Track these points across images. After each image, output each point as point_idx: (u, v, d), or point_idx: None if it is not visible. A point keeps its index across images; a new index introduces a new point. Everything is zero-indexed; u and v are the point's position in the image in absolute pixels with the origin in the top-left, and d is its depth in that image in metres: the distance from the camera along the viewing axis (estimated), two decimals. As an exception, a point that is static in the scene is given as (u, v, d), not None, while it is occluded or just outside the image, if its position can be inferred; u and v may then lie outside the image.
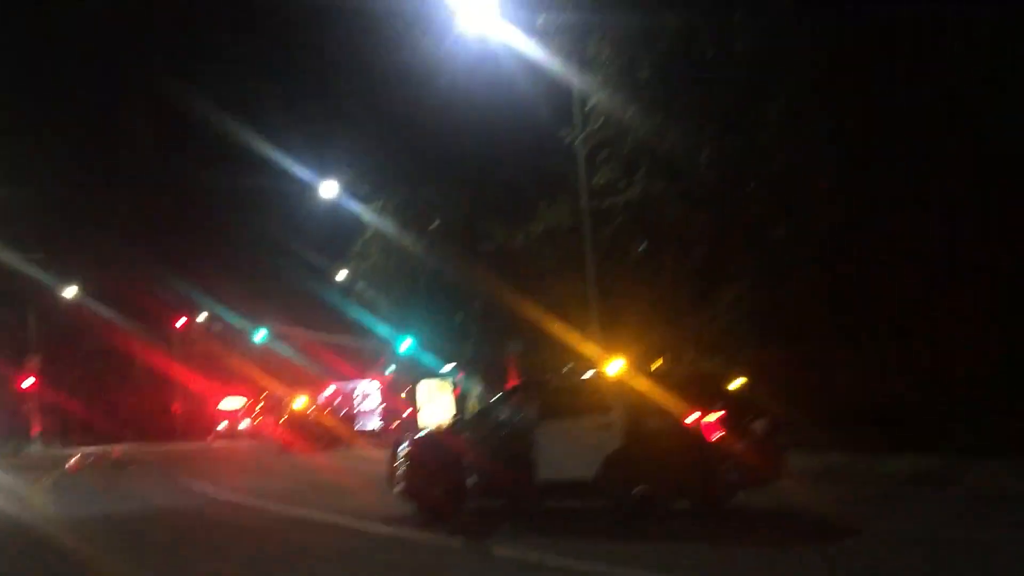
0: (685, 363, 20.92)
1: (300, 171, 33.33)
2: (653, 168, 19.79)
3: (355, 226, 36.15)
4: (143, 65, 53.49)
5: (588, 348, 20.36)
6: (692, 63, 18.53)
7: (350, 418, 40.70)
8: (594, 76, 19.81)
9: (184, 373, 57.23)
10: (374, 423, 40.98)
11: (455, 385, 35.13)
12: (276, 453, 34.68)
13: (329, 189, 33.48)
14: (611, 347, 20.47)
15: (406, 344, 36.21)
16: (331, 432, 36.09)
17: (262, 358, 51.89)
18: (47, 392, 49.56)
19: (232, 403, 55.85)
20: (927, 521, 11.16)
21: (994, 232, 16.85)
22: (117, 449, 41.69)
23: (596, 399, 12.39)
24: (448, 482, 12.74)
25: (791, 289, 18.74)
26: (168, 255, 52.88)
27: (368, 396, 42.81)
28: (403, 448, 13.59)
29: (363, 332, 41.85)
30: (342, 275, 40.88)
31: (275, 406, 46.58)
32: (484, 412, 13.89)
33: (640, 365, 18.16)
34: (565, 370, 15.32)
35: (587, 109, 20.07)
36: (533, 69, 20.49)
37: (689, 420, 11.32)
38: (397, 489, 13.55)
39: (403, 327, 36.44)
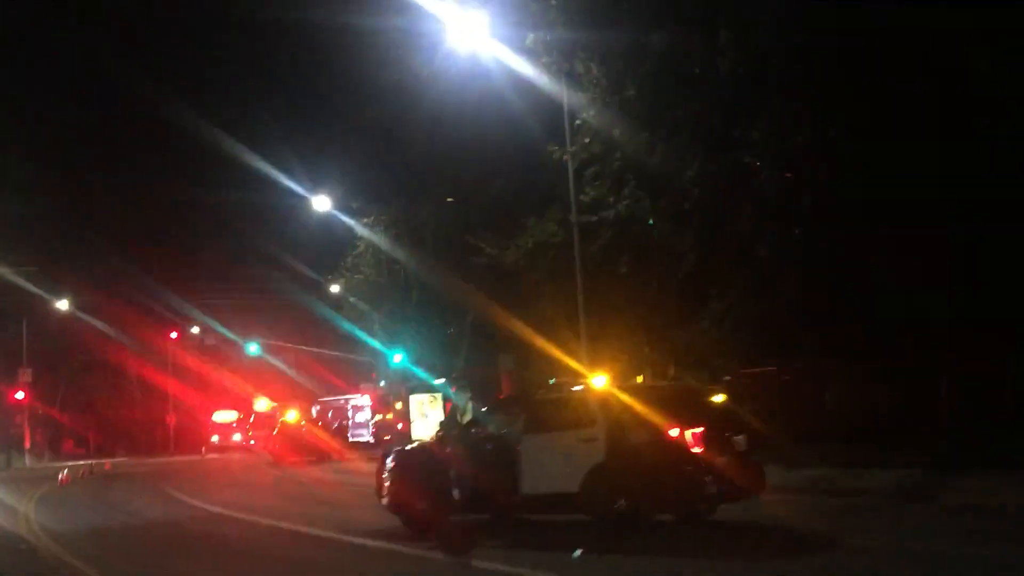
0: (667, 378, 21.08)
1: (293, 185, 33.52)
2: (640, 184, 19.99)
3: (347, 240, 36.43)
4: (138, 81, 53.66)
5: (576, 362, 20.53)
6: (678, 81, 18.79)
7: (342, 431, 40.80)
8: (582, 94, 20.04)
9: (177, 386, 57.23)
10: (366, 436, 41.07)
11: (446, 399, 35.23)
12: (268, 466, 34.76)
13: (321, 203, 33.65)
14: (599, 361, 20.64)
15: (398, 358, 36.36)
16: (323, 445, 36.19)
17: (254, 371, 51.95)
18: (39, 405, 49.49)
19: (225, 416, 55.88)
20: (904, 534, 11.32)
21: (976, 245, 17.05)
22: (108, 462, 41.71)
23: (580, 413, 12.51)
24: (433, 495, 12.86)
25: (777, 305, 18.93)
26: (161, 268, 53.08)
27: (360, 409, 42.92)
28: (389, 462, 13.74)
29: (355, 346, 42.04)
30: (335, 289, 41.02)
31: (267, 419, 46.66)
32: (469, 426, 14.01)
33: (622, 380, 18.30)
34: (550, 384, 15.40)
35: (575, 126, 20.27)
36: (523, 86, 20.74)
37: (670, 434, 11.48)
38: (383, 502, 13.69)
39: (395, 341, 36.62)
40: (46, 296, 47.01)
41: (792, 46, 17.31)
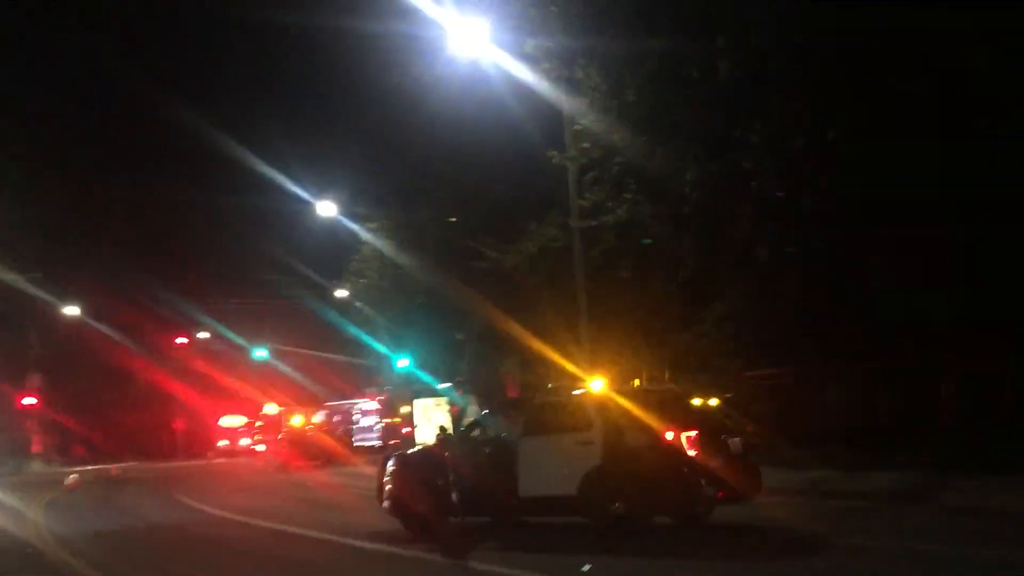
0: (663, 382, 21.16)
1: (298, 191, 33.61)
2: (640, 189, 20.08)
3: (352, 245, 36.54)
4: (144, 86, 53.82)
5: (577, 366, 20.61)
6: (677, 85, 18.88)
7: (348, 435, 40.90)
8: (581, 99, 20.14)
9: (184, 391, 57.43)
10: (372, 440, 41.16)
11: (452, 403, 35.34)
12: (275, 470, 34.90)
13: (326, 208, 33.68)
14: (601, 365, 20.71)
15: (403, 362, 36.47)
16: (329, 449, 36.32)
17: (261, 376, 52.10)
18: (48, 410, 49.77)
19: (232, 421, 56.02)
20: (903, 535, 11.39)
21: (976, 245, 17.10)
22: (116, 467, 41.89)
23: (577, 417, 12.61)
24: (432, 499, 12.98)
25: (777, 307, 19.01)
26: (167, 274, 53.29)
27: (366, 414, 43.01)
28: (389, 465, 13.86)
29: (361, 350, 42.16)
30: (341, 293, 41.15)
31: (274, 424, 46.82)
32: (468, 429, 14.13)
33: (619, 384, 18.37)
34: (548, 388, 15.52)
35: (575, 131, 20.38)
36: (523, 92, 20.81)
37: (666, 438, 11.58)
38: (384, 505, 13.81)
39: (400, 345, 36.74)
40: (55, 302, 47.24)
41: (792, 46, 17.38)
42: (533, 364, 25.59)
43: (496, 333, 27.55)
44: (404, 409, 38.86)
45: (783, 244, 18.33)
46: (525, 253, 23.57)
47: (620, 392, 13.34)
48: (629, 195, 20.37)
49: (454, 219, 28.79)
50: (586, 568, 9.82)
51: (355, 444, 39.93)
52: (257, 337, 49.18)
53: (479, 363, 32.48)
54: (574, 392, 13.88)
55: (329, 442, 37.42)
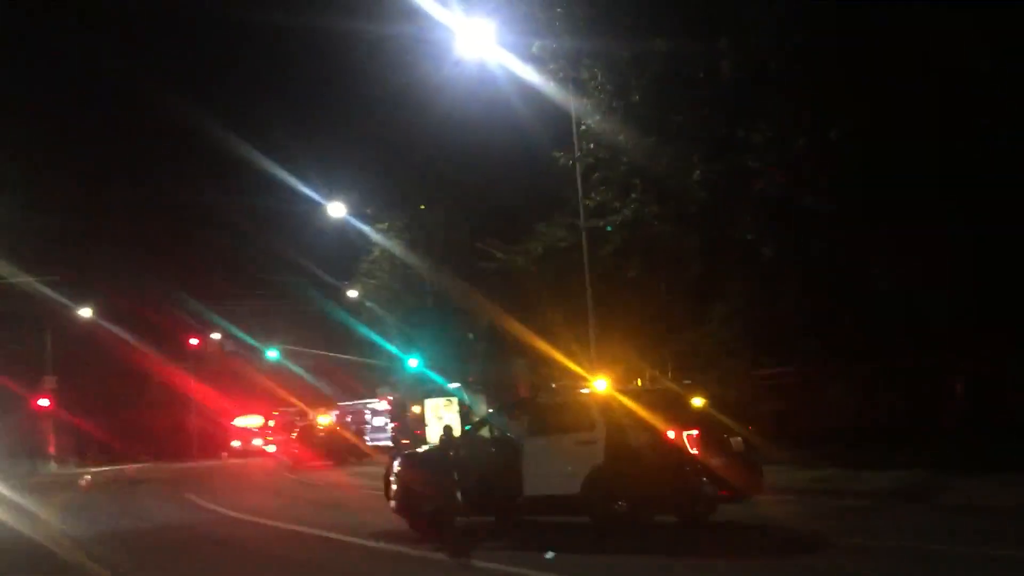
0: (664, 381, 21.26)
1: (309, 192, 33.83)
2: (646, 189, 20.19)
3: (363, 246, 36.77)
4: (156, 90, 54.32)
5: (585, 365, 20.73)
6: (681, 86, 18.98)
7: (360, 435, 41.11)
8: (587, 99, 20.28)
9: (198, 392, 57.78)
10: (384, 440, 41.35)
11: (462, 403, 35.50)
12: (288, 470, 35.08)
13: (337, 209, 33.86)
14: (610, 363, 20.85)
15: (414, 362, 36.64)
16: (341, 449, 36.51)
17: (275, 376, 52.34)
18: (63, 412, 50.06)
19: (246, 421, 56.30)
20: (901, 534, 11.48)
21: (977, 245, 17.12)
22: (131, 468, 42.20)
23: (580, 416, 12.72)
24: (437, 498, 13.10)
25: (781, 306, 19.07)
26: (180, 275, 53.67)
27: (378, 413, 43.23)
28: (395, 465, 14.00)
29: (373, 350, 42.35)
30: (352, 294, 41.35)
31: (287, 424, 47.09)
32: (473, 429, 14.24)
33: (622, 383, 18.49)
34: (551, 388, 15.63)
35: (580, 131, 20.50)
36: (529, 93, 21.01)
37: (668, 437, 11.68)
38: (391, 505, 13.95)
39: (411, 345, 36.91)
40: (69, 304, 47.61)
41: (792, 47, 17.46)
42: (540, 364, 25.72)
43: (507, 333, 27.70)
44: (415, 409, 39.06)
45: (785, 243, 18.36)
46: (533, 253, 23.69)
47: (622, 392, 13.44)
48: (635, 195, 20.48)
49: (467, 220, 28.86)
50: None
51: (368, 444, 40.13)
52: (269, 338, 49.42)
53: (489, 363, 32.62)
54: (576, 392, 13.99)
55: (342, 441, 37.60)
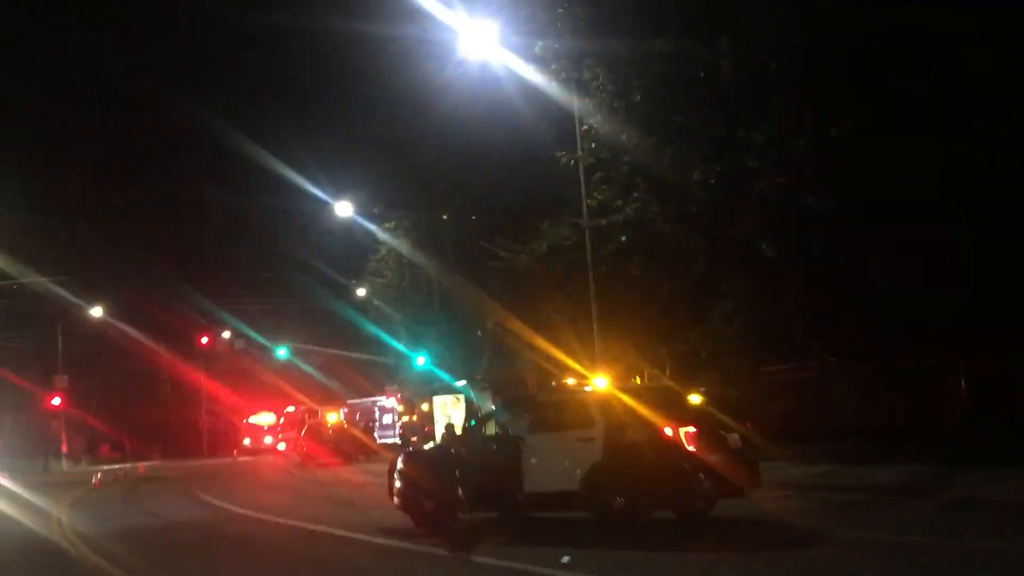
0: (663, 379, 21.39)
1: (316, 191, 34.05)
2: (648, 188, 20.33)
3: (370, 245, 37.02)
4: (166, 91, 54.70)
5: (587, 363, 20.90)
6: (682, 87, 19.13)
7: (369, 432, 41.32)
8: (590, 99, 20.44)
9: (209, 390, 58.12)
10: (393, 437, 41.57)
11: (469, 400, 35.64)
12: (297, 467, 35.32)
13: (344, 209, 34.06)
14: (611, 362, 21.01)
15: (421, 360, 36.84)
16: (350, 447, 36.73)
17: (284, 375, 52.63)
18: (74, 411, 50.46)
19: (256, 419, 56.58)
20: (899, 528, 11.62)
21: (977, 245, 17.20)
22: (141, 466, 42.51)
23: (579, 414, 12.89)
24: (439, 495, 13.30)
25: (783, 306, 19.20)
26: (190, 274, 54.00)
27: (387, 411, 43.45)
28: (399, 462, 14.19)
29: (381, 348, 42.61)
30: (361, 292, 41.57)
31: (296, 422, 47.32)
32: (475, 427, 14.42)
33: (623, 381, 18.65)
34: (552, 386, 15.82)
35: (583, 131, 20.66)
36: (532, 93, 21.20)
37: (665, 434, 11.84)
38: (395, 502, 14.15)
39: (419, 343, 37.14)
40: (80, 303, 47.98)
41: (792, 47, 17.56)
42: (545, 361, 25.86)
43: (513, 331, 27.87)
44: (424, 407, 39.27)
45: (786, 243, 18.49)
46: (538, 252, 23.86)
47: (621, 389, 13.60)
48: (637, 194, 20.63)
49: (474, 216, 29.02)
50: (565, 559, 10.06)
51: (377, 441, 40.35)
52: (278, 336, 49.70)
53: (496, 361, 32.79)
54: (577, 389, 14.15)
55: (350, 439, 37.82)
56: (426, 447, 15.77)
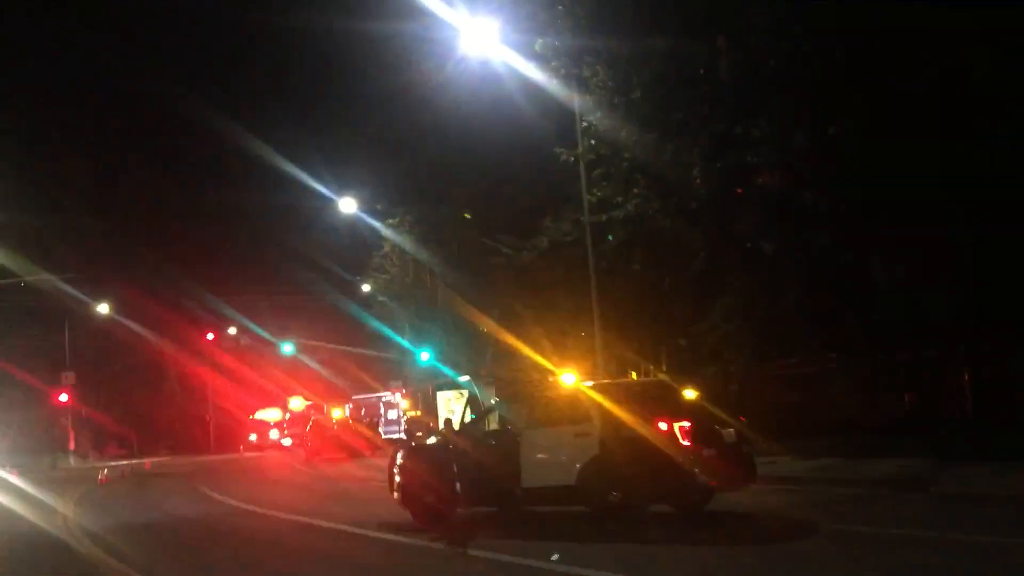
0: (656, 374, 21.51)
1: (321, 188, 34.20)
2: (648, 184, 20.43)
3: (374, 241, 37.20)
4: (170, 89, 54.88)
5: (592, 358, 21.04)
6: (682, 84, 19.21)
7: (374, 427, 41.51)
8: (589, 96, 20.53)
9: (215, 386, 58.39)
10: (398, 432, 41.74)
11: (472, 395, 35.77)
12: (303, 463, 35.50)
13: (348, 205, 34.17)
14: (617, 357, 21.14)
15: (425, 356, 37.00)
16: (355, 442, 36.90)
17: (290, 370, 52.87)
18: (82, 407, 50.80)
19: (262, 415, 56.86)
20: (892, 521, 11.73)
21: (977, 244, 17.26)
22: (148, 462, 42.76)
23: (575, 409, 12.99)
24: (438, 490, 13.44)
25: (783, 302, 19.28)
26: (196, 271, 54.29)
27: (392, 406, 43.64)
28: (399, 457, 14.34)
29: (385, 344, 42.79)
30: (365, 288, 41.74)
31: (302, 417, 47.56)
32: (473, 422, 14.55)
33: (623, 376, 18.77)
34: (549, 381, 15.93)
35: (583, 127, 20.76)
36: (532, 90, 21.33)
37: (660, 428, 11.94)
38: (395, 497, 14.29)
39: (422, 339, 37.29)
40: (87, 300, 48.25)
41: (792, 45, 17.59)
42: (552, 356, 25.97)
43: (516, 326, 27.99)
44: (427, 402, 39.45)
45: (786, 239, 18.56)
46: (540, 248, 23.97)
47: (616, 384, 13.72)
48: (638, 190, 20.72)
49: (467, 215, 29.15)
50: (555, 557, 10.10)
51: (383, 436, 40.53)
52: (284, 332, 49.92)
53: (499, 356, 32.90)
54: (574, 385, 14.26)
55: (355, 435, 37.99)
56: (422, 443, 15.82)
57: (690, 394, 13.79)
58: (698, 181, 19.27)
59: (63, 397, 47.18)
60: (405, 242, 34.22)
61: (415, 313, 37.20)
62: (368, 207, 34.28)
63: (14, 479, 28.78)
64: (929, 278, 17.06)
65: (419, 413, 40.25)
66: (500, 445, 13.35)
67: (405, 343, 39.34)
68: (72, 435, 50.39)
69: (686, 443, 11.79)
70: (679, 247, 20.74)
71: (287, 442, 49.36)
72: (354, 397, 46.96)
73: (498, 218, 27.20)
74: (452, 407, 36.35)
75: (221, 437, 58.82)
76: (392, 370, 44.90)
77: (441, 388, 37.80)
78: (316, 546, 12.87)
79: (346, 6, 35.59)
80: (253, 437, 55.38)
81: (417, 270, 35.25)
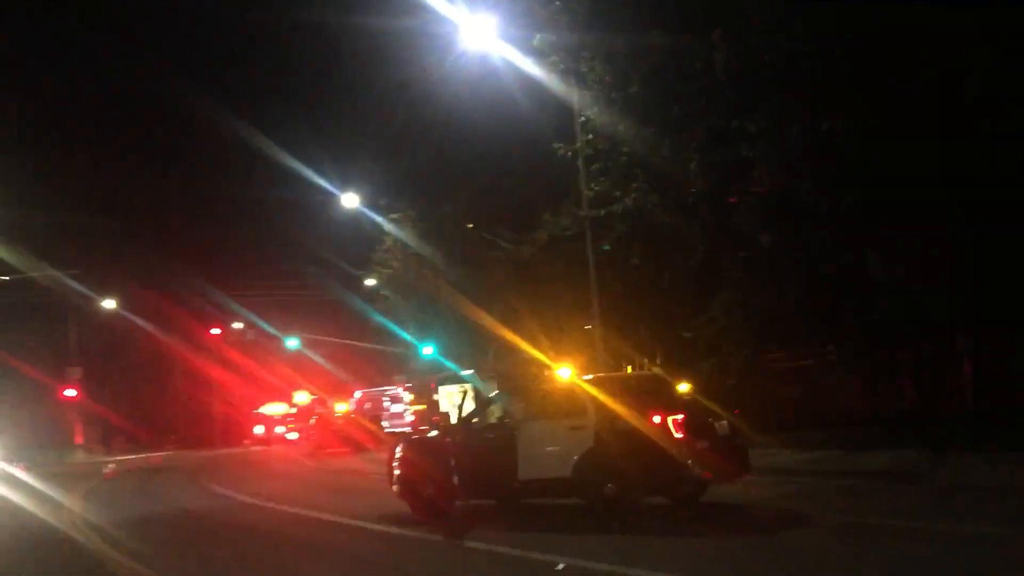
0: (650, 368, 21.65)
1: (324, 183, 34.31)
2: (646, 179, 20.56)
3: (377, 236, 37.33)
4: (172, 85, 55.06)
5: (590, 352, 21.18)
6: (679, 78, 19.30)
7: (378, 422, 41.67)
8: (587, 91, 20.66)
9: (221, 381, 58.64)
10: (402, 426, 41.89)
11: (476, 389, 35.86)
12: (307, 456, 35.71)
13: (350, 200, 34.27)
14: (618, 352, 21.28)
15: (428, 350, 37.15)
16: (359, 436, 37.10)
17: (295, 365, 53.10)
18: (89, 402, 51.09)
19: (267, 409, 57.10)
20: (886, 512, 11.89)
21: (977, 244, 17.32)
22: (155, 456, 43.02)
23: (571, 402, 13.14)
24: (437, 482, 13.61)
25: (783, 299, 19.38)
26: (201, 266, 54.54)
27: (397, 400, 43.79)
28: (398, 451, 14.52)
29: (389, 338, 42.94)
30: (369, 283, 41.87)
31: (307, 411, 47.79)
32: (471, 415, 14.69)
33: (620, 369, 18.90)
34: (544, 375, 16.08)
35: (581, 122, 20.89)
36: (531, 85, 21.46)
37: (654, 421, 12.10)
38: (394, 490, 14.47)
39: (425, 334, 37.43)
40: (93, 296, 48.53)
41: (792, 43, 17.63)
42: (553, 351, 26.10)
43: (517, 321, 28.11)
44: (431, 395, 39.56)
45: (784, 234, 18.67)
46: (539, 243, 24.12)
47: (611, 378, 13.86)
48: (636, 184, 20.86)
49: (471, 226, 29.28)
50: (560, 567, 9.98)
51: (387, 430, 40.69)
52: (289, 327, 50.16)
53: (501, 350, 33.02)
54: (570, 378, 14.41)
55: (360, 429, 38.17)
56: (420, 436, 16.00)
57: (683, 387, 13.91)
58: (696, 174, 19.36)
59: (70, 392, 47.47)
60: (407, 237, 34.36)
61: (418, 308, 37.31)
62: (371, 202, 34.46)
63: (22, 474, 29.00)
64: (929, 277, 17.12)
65: (424, 407, 40.35)
66: (498, 438, 13.50)
67: (409, 337, 39.48)
68: (79, 430, 50.69)
69: (679, 435, 11.93)
70: (678, 241, 20.87)
71: (292, 436, 49.58)
72: (358, 391, 47.12)
73: (497, 213, 27.33)
74: (455, 401, 36.40)
75: (227, 431, 59.06)
76: (396, 364, 45.05)
77: (444, 383, 37.89)
78: (315, 538, 13.06)
79: (346, 3, 35.80)
80: (259, 430, 55.62)
81: (419, 265, 35.35)
